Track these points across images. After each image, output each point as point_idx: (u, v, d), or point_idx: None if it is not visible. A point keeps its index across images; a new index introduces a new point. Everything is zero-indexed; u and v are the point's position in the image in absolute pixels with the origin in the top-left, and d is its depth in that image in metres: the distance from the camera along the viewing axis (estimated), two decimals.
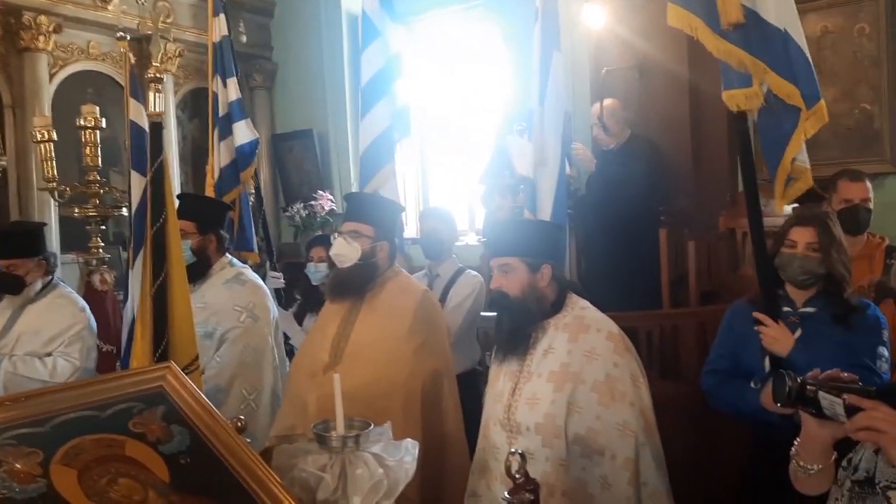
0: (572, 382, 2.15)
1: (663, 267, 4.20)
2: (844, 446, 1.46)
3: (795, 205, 2.77)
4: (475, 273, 3.75)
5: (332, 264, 3.67)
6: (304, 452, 1.72)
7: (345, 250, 2.69)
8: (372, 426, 1.75)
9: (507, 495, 1.61)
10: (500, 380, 2.31)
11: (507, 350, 2.29)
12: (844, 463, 1.45)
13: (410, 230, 5.60)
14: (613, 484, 2.10)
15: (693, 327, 3.81)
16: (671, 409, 2.61)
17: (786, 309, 2.43)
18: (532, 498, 1.64)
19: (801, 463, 1.48)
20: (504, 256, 2.25)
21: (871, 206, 3.13)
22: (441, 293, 3.55)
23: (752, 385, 2.43)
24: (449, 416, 2.65)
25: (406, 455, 1.74)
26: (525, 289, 2.23)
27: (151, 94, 2.31)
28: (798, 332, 2.37)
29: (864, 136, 4.39)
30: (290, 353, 3.49)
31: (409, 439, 1.79)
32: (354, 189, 5.19)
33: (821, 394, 1.35)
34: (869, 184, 3.16)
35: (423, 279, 3.60)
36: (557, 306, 2.26)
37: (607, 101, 4.45)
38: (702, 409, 2.82)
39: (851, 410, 1.29)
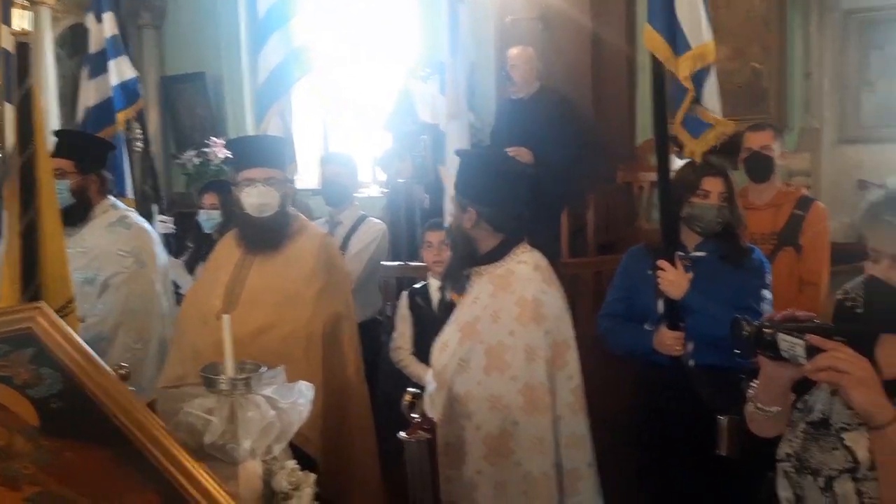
0: (472, 340, 2.12)
1: (563, 219, 4.26)
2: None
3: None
4: (378, 220, 3.67)
5: (225, 211, 3.52)
6: (190, 396, 1.63)
7: (268, 199, 2.52)
8: (264, 368, 1.66)
9: (404, 434, 1.58)
10: None
11: (447, 285, 2.29)
12: (800, 405, 1.47)
13: (311, 180, 5.43)
14: (469, 453, 2.06)
15: (590, 276, 3.90)
16: None
17: (679, 253, 2.49)
18: (429, 437, 1.61)
19: (759, 405, 1.47)
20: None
21: (774, 154, 3.24)
22: (342, 241, 3.46)
23: (646, 327, 2.49)
24: (350, 361, 2.58)
25: (300, 398, 1.67)
26: (456, 226, 2.22)
27: (16, 11, 2.07)
28: (690, 275, 2.44)
29: (754, 94, 4.54)
30: (181, 303, 3.32)
31: (303, 382, 1.72)
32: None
33: (780, 336, 1.32)
34: (773, 133, 3.27)
35: (324, 226, 3.49)
36: (495, 255, 2.18)
37: (516, 50, 4.40)
38: (597, 354, 2.90)
39: (812, 351, 1.27)
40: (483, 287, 2.17)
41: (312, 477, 1.60)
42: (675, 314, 2.40)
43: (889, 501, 1.26)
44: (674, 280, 2.39)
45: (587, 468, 2.13)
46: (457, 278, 2.29)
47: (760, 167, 3.21)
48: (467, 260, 2.21)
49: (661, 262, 2.42)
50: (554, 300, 2.14)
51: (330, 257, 2.65)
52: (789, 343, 1.32)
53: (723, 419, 2.16)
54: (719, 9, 4.52)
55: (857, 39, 4.26)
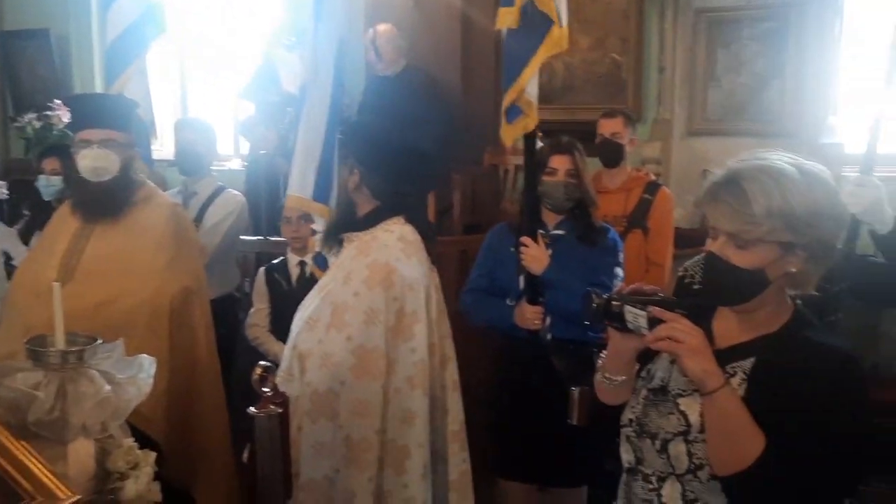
0: (324, 301, 2.10)
1: (430, 200, 4.27)
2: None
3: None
4: (237, 193, 3.52)
5: (67, 176, 3.24)
6: (13, 370, 1.48)
7: (105, 162, 2.35)
8: (99, 341, 1.54)
9: (254, 409, 1.51)
10: None
11: (323, 248, 2.29)
12: (643, 373, 1.52)
13: (166, 151, 5.12)
14: (295, 411, 2.02)
15: (456, 255, 3.92)
16: None
17: (541, 231, 2.55)
18: (280, 411, 1.56)
19: (607, 375, 1.51)
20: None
21: (625, 141, 3.38)
22: (197, 213, 3.28)
23: (508, 302, 2.54)
24: (200, 338, 2.46)
25: (140, 372, 1.56)
26: (341, 188, 2.22)
27: None
28: (550, 252, 2.51)
29: (614, 85, 4.74)
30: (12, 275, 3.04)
31: (145, 355, 1.61)
32: None
33: (626, 308, 1.36)
34: (623, 121, 3.41)
35: (177, 197, 3.29)
36: (367, 222, 2.17)
37: (383, 27, 4.34)
38: (462, 331, 2.92)
39: (654, 323, 1.32)
40: (348, 252, 2.17)
41: (152, 456, 1.50)
42: (536, 289, 2.46)
43: (716, 459, 1.33)
44: (535, 256, 2.45)
45: (416, 448, 2.11)
46: (332, 243, 2.27)
47: (610, 153, 3.36)
48: (343, 225, 2.20)
49: (524, 239, 2.47)
50: (410, 270, 2.13)
51: (180, 228, 2.52)
52: (634, 315, 1.37)
53: (575, 390, 2.23)
54: None
55: (705, 37, 4.51)
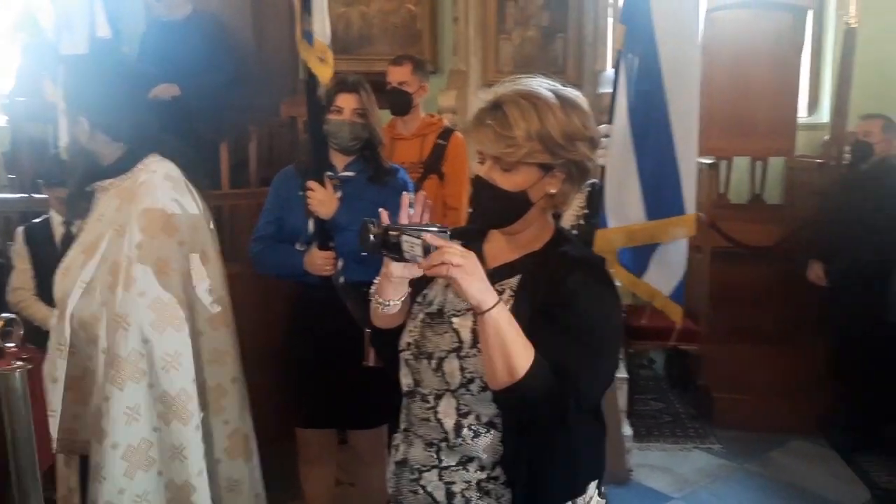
0: (95, 260, 1.92)
1: (223, 152, 4.06)
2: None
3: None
4: None
5: None
6: None
7: None
8: None
9: None
10: None
11: (71, 211, 2.08)
12: (420, 298, 1.55)
13: None
14: (97, 382, 1.90)
15: (251, 207, 3.78)
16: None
17: (328, 174, 2.50)
18: (28, 366, 1.40)
19: (380, 300, 1.52)
20: None
21: (413, 89, 3.38)
22: None
23: (297, 247, 2.48)
24: None
25: None
26: (71, 143, 2.04)
27: None
28: (339, 195, 2.46)
29: (410, 35, 4.76)
30: None
31: None
32: None
33: (403, 237, 1.36)
34: (411, 68, 3.40)
35: None
36: (121, 167, 1.97)
37: None
38: (258, 283, 2.83)
39: (428, 250, 1.33)
40: (108, 203, 1.97)
41: None
42: (325, 234, 2.42)
43: (491, 375, 1.38)
44: (322, 200, 2.40)
45: (231, 384, 2.07)
46: (80, 199, 2.04)
47: (398, 101, 3.36)
48: (89, 176, 1.98)
49: (310, 183, 2.41)
50: (188, 209, 2.00)
51: None
52: (410, 244, 1.38)
53: (369, 331, 2.23)
54: None
55: None
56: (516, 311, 1.40)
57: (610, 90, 2.78)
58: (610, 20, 4.52)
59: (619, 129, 2.23)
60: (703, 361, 4.41)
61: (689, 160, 2.20)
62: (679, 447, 4.01)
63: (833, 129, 4.38)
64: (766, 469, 3.75)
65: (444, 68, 4.76)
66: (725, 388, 4.29)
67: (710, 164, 4.40)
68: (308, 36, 2.31)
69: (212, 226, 2.12)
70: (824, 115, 4.93)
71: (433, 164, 3.36)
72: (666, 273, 2.33)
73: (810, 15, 4.76)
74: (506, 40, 4.69)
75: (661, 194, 2.21)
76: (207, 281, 2.01)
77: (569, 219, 2.46)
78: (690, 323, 4.48)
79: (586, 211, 2.39)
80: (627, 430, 3.65)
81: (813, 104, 5.09)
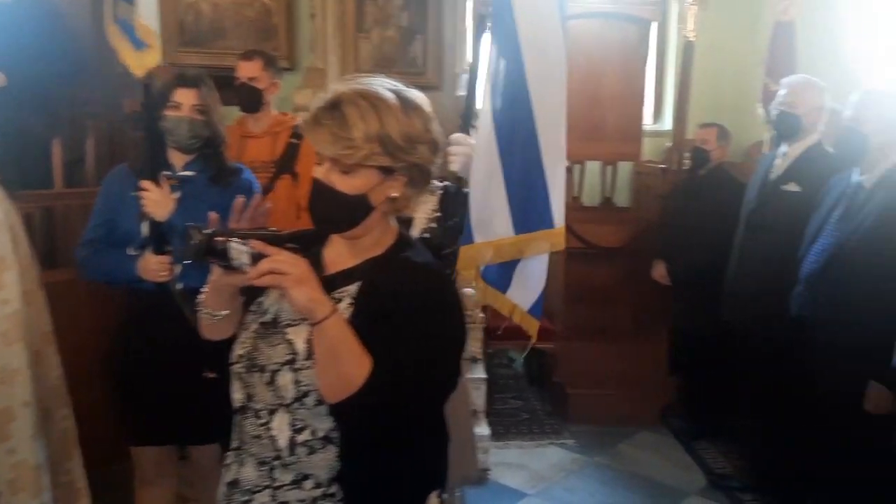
0: None
1: (56, 148, 3.75)
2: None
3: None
4: None
5: None
6: None
7: None
8: None
9: None
10: None
11: None
12: (254, 307, 1.47)
13: None
14: None
15: (87, 208, 3.48)
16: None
17: (165, 173, 2.34)
18: None
19: (208, 311, 1.45)
20: None
21: (263, 86, 3.25)
22: None
23: (130, 252, 2.31)
24: None
25: None
26: None
27: None
28: (177, 195, 2.32)
29: (266, 30, 4.59)
30: None
31: None
32: None
33: (230, 244, 1.28)
34: (262, 64, 3.27)
35: None
36: None
37: None
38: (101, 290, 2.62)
39: (257, 257, 1.26)
40: None
41: None
42: (160, 237, 2.27)
43: (326, 387, 1.32)
44: (158, 200, 2.25)
45: (22, 408, 1.86)
46: None
47: (248, 98, 3.23)
48: None
49: (144, 183, 2.25)
50: None
51: None
52: (238, 251, 1.31)
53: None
54: None
55: None
56: (355, 320, 1.36)
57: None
58: (469, 23, 4.56)
59: (483, 139, 2.14)
60: (559, 359, 4.55)
61: (558, 171, 2.13)
62: (535, 444, 4.11)
63: (674, 136, 4.63)
64: (615, 461, 3.92)
65: (300, 65, 4.62)
66: (579, 384, 4.45)
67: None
68: (122, 22, 2.15)
69: (20, 230, 1.91)
70: (668, 122, 5.22)
71: (286, 164, 3.24)
72: (527, 287, 2.28)
73: (654, 27, 5.01)
74: (365, 39, 4.62)
75: (529, 207, 2.13)
76: (4, 291, 1.81)
77: (420, 222, 2.42)
78: (546, 322, 4.62)
79: (439, 214, 2.35)
80: (485, 430, 3.69)
81: (658, 112, 5.38)
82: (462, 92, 4.43)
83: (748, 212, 3.47)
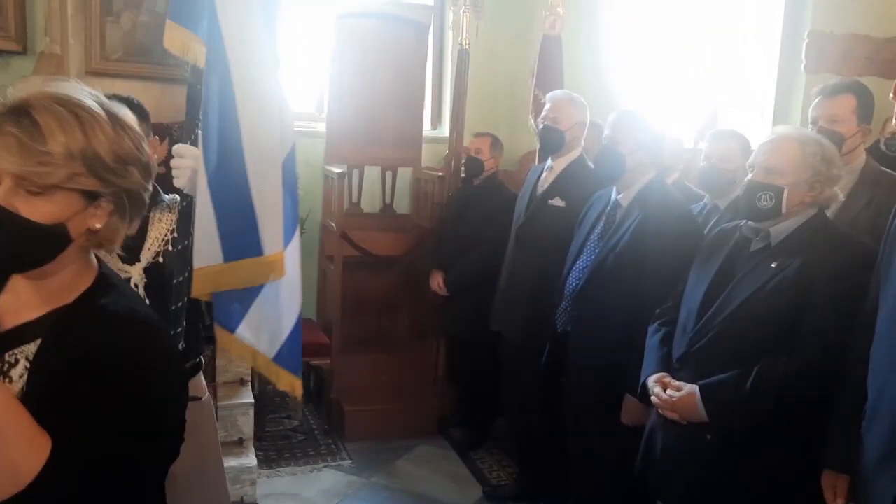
0: None
1: None
2: None
3: None
4: None
5: None
6: None
7: None
8: None
9: None
10: None
11: None
12: None
13: None
14: None
15: None
16: None
17: None
18: None
19: None
20: None
21: None
22: None
23: None
24: None
25: None
26: None
27: None
28: None
29: None
30: None
31: None
32: None
33: None
34: None
35: None
36: None
37: None
38: None
39: None
40: None
41: None
42: None
43: None
44: None
45: None
46: None
47: None
48: None
49: None
50: None
51: None
52: None
53: None
54: None
55: None
56: (30, 389, 1.09)
57: None
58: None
59: (200, 159, 1.83)
60: (335, 374, 4.35)
61: (269, 194, 1.87)
62: (310, 468, 3.87)
63: (450, 143, 4.61)
64: (392, 479, 3.80)
65: (32, 49, 3.99)
66: (356, 401, 4.28)
67: (339, 174, 4.34)
68: None
69: None
70: (447, 129, 5.21)
71: None
72: (265, 330, 1.95)
73: (431, 31, 4.97)
74: (114, 24, 4.08)
75: (236, 232, 1.86)
76: None
77: (154, 243, 2.09)
78: (323, 336, 4.40)
79: (175, 235, 2.03)
80: (252, 460, 3.39)
81: (436, 118, 5.36)
82: None
83: (517, 226, 3.49)
